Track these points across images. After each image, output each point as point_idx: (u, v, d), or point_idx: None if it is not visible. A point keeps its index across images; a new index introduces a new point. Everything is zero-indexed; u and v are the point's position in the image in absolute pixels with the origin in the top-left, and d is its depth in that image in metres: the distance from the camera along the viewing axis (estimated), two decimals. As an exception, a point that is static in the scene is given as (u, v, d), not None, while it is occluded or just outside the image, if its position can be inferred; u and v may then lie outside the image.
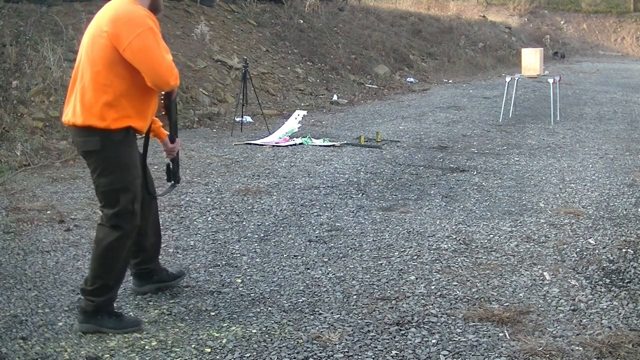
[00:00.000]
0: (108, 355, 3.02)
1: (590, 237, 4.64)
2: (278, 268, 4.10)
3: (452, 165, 6.96)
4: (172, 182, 3.68)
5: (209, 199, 5.61)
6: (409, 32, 18.19)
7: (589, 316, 3.42)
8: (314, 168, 6.79)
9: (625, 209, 5.33)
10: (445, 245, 4.50)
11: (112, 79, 3.10)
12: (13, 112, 7.51)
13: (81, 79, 3.16)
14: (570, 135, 8.75)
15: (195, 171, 6.58)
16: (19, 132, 7.21)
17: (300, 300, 3.62)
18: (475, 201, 5.60)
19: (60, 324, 3.33)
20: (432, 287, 3.79)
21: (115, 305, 3.36)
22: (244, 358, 3.01)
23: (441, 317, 3.41)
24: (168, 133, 3.58)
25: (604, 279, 3.91)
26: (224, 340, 3.16)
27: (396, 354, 3.03)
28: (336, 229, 4.84)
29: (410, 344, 3.13)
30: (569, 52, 23.38)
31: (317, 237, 4.68)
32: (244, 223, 4.98)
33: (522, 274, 3.98)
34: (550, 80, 9.95)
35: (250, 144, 8.07)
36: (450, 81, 15.79)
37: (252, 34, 13.33)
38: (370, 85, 13.67)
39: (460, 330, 3.26)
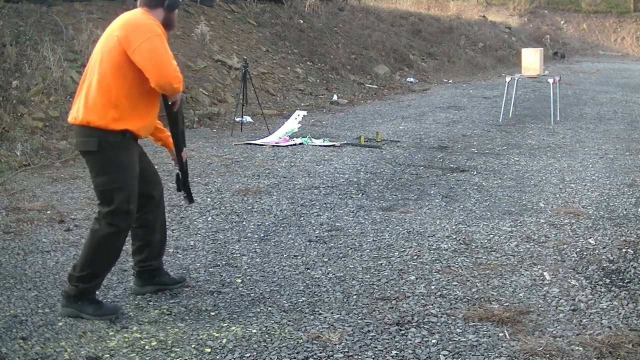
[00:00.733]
0: (108, 355, 3.02)
1: (590, 237, 4.64)
2: (278, 268, 4.10)
3: (452, 165, 6.96)
4: (185, 194, 3.81)
5: (209, 199, 5.61)
6: (409, 32, 18.19)
7: (589, 316, 3.41)
8: (314, 168, 6.79)
9: (625, 209, 5.33)
10: (445, 245, 4.50)
11: (116, 79, 3.25)
12: (13, 112, 7.52)
13: (89, 79, 3.32)
14: (570, 135, 8.75)
15: (195, 171, 6.57)
16: (19, 132, 7.21)
17: (300, 300, 3.62)
18: (475, 201, 5.60)
19: (60, 324, 3.33)
20: (432, 287, 3.79)
21: (98, 293, 3.48)
22: (244, 358, 3.01)
23: (441, 317, 3.41)
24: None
25: (604, 279, 3.91)
26: (224, 340, 3.16)
27: (396, 354, 3.03)
28: (336, 229, 4.84)
29: (410, 344, 3.13)
30: (569, 52, 23.39)
31: (317, 237, 4.68)
32: (244, 223, 4.98)
33: (522, 274, 3.98)
34: (550, 80, 9.95)
35: (250, 144, 8.08)
36: (450, 81, 15.79)
37: (252, 34, 13.33)
38: (370, 85, 13.67)
39: (460, 330, 3.26)
